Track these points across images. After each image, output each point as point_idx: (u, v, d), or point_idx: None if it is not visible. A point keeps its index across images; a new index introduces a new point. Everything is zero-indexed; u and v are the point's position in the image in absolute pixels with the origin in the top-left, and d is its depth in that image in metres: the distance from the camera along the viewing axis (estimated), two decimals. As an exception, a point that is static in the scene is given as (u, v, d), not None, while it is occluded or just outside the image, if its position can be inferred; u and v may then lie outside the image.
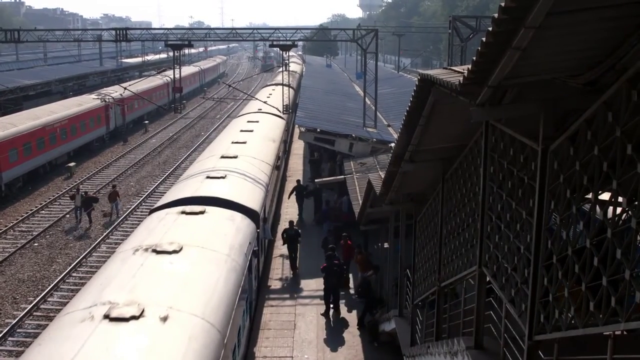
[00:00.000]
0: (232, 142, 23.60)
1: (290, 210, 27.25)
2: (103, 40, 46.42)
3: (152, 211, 15.41)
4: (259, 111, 32.98)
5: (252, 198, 17.07)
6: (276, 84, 47.23)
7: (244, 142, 23.55)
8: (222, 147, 23.32)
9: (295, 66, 63.26)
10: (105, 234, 24.87)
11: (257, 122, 29.23)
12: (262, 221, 17.24)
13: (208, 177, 17.82)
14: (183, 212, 13.74)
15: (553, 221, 5.55)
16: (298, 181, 28.02)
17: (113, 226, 25.77)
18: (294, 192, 26.63)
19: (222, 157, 20.69)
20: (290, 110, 36.44)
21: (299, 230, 21.15)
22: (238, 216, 14.57)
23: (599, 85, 4.93)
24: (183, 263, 10.90)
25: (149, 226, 13.41)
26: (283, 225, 25.49)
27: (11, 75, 55.58)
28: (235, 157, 20.62)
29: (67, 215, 27.36)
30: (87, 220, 26.45)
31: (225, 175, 18.07)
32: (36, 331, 16.61)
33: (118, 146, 44.34)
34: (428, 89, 7.15)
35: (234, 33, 35.27)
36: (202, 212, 13.78)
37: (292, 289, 19.41)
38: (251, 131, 26.23)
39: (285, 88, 34.20)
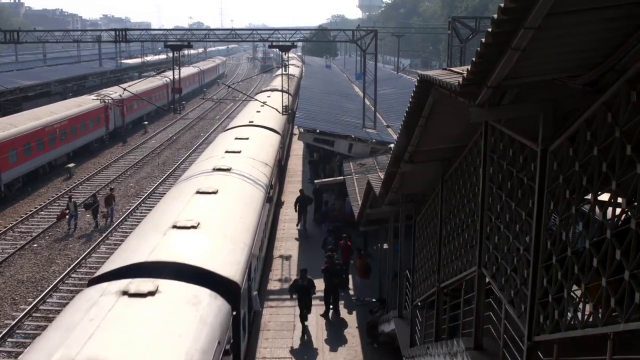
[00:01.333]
0: (214, 169, 18.55)
1: (289, 211, 27.24)
2: (102, 41, 46.46)
3: (90, 282, 10.60)
4: (250, 124, 28.81)
5: (231, 259, 12.00)
6: (272, 90, 44.60)
7: (228, 169, 18.51)
8: (199, 177, 18.04)
9: (293, 69, 57.92)
10: (104, 235, 24.86)
11: (247, 139, 24.64)
12: (246, 292, 12.65)
13: (174, 227, 12.51)
14: (126, 293, 9.20)
15: (552, 222, 5.54)
16: (301, 191, 26.62)
17: (111, 228, 25.74)
18: (298, 203, 25.28)
19: (198, 192, 15.55)
20: (289, 123, 34.55)
21: (313, 281, 16.91)
22: (205, 296, 9.81)
23: (599, 86, 4.93)
24: None
25: (69, 321, 8.56)
26: (283, 225, 25.51)
27: (11, 76, 55.56)
28: (215, 192, 15.62)
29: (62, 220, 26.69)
30: (91, 223, 26.36)
31: (198, 224, 12.70)
32: (35, 332, 16.60)
33: (117, 147, 44.33)
34: (427, 90, 7.15)
35: (234, 34, 35.30)
36: (152, 293, 9.25)
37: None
38: (238, 152, 21.58)
39: (284, 94, 33.05)
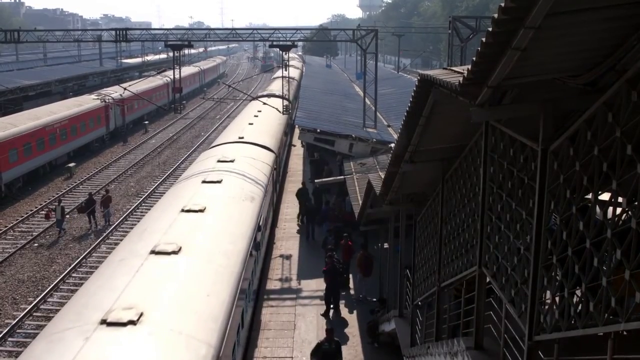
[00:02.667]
0: (183, 210, 13.30)
1: (289, 211, 27.25)
2: (103, 40, 46.48)
3: None
4: (239, 141, 24.12)
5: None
6: (268, 95, 40.32)
7: (201, 210, 13.39)
8: (162, 221, 12.79)
9: (293, 71, 51.05)
10: (105, 234, 24.87)
11: (232, 161, 19.57)
12: None
13: (106, 324, 7.87)
14: None
15: (553, 221, 5.55)
16: (303, 183, 27.51)
17: (112, 228, 25.75)
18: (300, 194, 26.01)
19: (154, 252, 10.52)
20: (286, 135, 32.07)
21: (340, 344, 14.11)
22: None
23: (599, 86, 4.93)
24: None
25: None
26: (283, 225, 25.50)
27: (11, 75, 55.60)
28: (177, 251, 10.64)
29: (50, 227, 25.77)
30: (90, 223, 26.23)
31: (137, 320, 8.06)
32: (36, 332, 16.61)
33: (118, 146, 44.35)
34: (428, 90, 7.15)
35: (234, 33, 35.31)
36: None
37: (291, 289, 19.41)
38: (219, 182, 16.42)
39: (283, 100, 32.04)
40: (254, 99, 38.12)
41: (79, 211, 26.93)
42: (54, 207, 26.04)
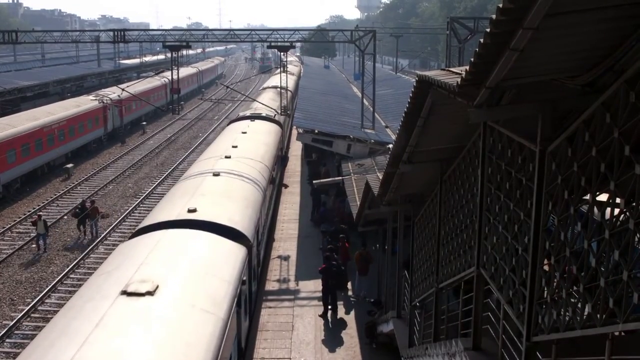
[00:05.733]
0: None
1: (288, 212, 27.25)
2: (101, 41, 46.60)
3: None
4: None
5: None
6: (253, 118, 30.04)
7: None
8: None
9: (290, 79, 46.47)
10: (103, 235, 24.82)
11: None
12: None
13: None
14: None
15: (551, 222, 5.55)
16: (309, 178, 28.23)
17: (107, 231, 25.70)
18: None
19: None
20: (276, 168, 25.74)
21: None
22: None
23: (597, 87, 4.93)
24: None
25: None
26: (281, 227, 25.49)
27: (9, 76, 55.52)
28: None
29: (29, 243, 23.74)
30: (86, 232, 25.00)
31: None
32: (34, 333, 16.58)
33: (116, 147, 44.29)
34: (426, 90, 7.14)
35: (232, 34, 35.37)
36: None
37: (289, 290, 19.40)
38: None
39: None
40: (253, 100, 37.94)
41: (74, 216, 25.47)
42: (34, 221, 23.68)
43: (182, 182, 18.15)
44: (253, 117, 29.94)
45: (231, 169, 18.11)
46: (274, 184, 23.56)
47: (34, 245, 23.47)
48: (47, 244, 23.58)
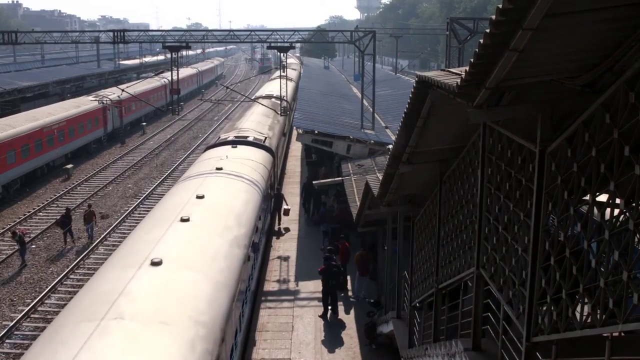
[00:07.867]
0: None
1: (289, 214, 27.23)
2: (100, 42, 46.53)
3: None
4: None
5: None
6: (242, 139, 24.80)
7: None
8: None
9: (289, 85, 42.20)
10: (103, 235, 24.82)
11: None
12: None
13: None
14: None
15: (551, 223, 5.55)
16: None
17: (109, 229, 25.70)
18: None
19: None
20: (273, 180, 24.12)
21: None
22: None
23: (597, 87, 4.93)
24: None
25: None
26: (282, 224, 25.47)
27: (8, 76, 55.51)
28: None
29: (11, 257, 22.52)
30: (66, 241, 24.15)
31: None
32: (34, 334, 16.58)
33: (116, 148, 44.31)
34: (426, 91, 7.14)
35: (232, 35, 35.35)
36: None
37: (289, 290, 19.40)
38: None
39: (279, 118, 28.13)
40: (252, 100, 37.81)
41: (61, 227, 24.33)
42: (14, 236, 22.49)
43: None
44: (236, 142, 23.71)
45: (177, 255, 10.70)
46: (257, 252, 16.66)
47: (34, 246, 23.47)
48: (26, 259, 22.12)
